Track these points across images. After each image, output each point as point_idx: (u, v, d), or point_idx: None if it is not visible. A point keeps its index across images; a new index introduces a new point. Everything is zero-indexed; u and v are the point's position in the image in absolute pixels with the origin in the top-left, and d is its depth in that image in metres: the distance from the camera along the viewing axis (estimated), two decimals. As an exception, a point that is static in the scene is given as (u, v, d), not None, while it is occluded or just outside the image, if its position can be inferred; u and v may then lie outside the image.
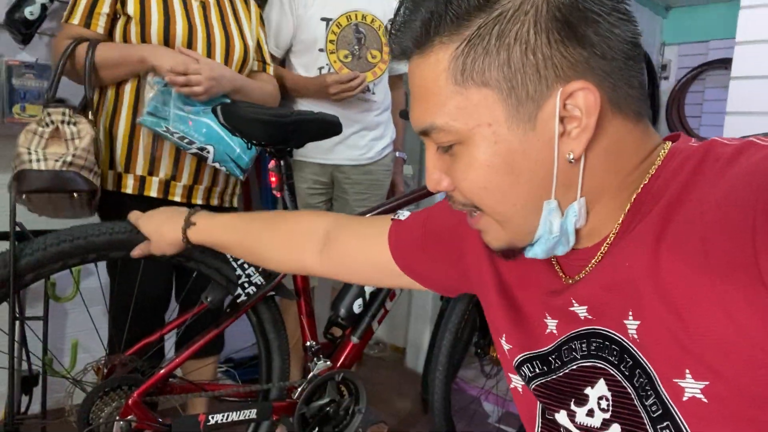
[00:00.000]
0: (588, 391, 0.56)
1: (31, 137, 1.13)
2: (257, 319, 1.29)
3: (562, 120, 0.50)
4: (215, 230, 1.00)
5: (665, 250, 0.48)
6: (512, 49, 0.49)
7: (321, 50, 1.73)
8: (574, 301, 0.57)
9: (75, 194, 1.12)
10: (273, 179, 1.25)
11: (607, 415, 0.54)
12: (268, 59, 1.56)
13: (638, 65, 0.52)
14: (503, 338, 0.67)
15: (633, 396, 0.52)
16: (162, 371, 1.12)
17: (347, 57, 1.72)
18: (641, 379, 0.51)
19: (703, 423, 0.47)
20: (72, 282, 1.08)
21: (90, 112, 1.24)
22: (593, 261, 0.55)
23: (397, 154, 1.99)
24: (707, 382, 0.46)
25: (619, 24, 0.50)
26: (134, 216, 1.09)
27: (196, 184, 1.41)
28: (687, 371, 0.47)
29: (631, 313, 0.50)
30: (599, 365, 0.55)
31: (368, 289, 1.39)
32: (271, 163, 1.24)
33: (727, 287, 0.43)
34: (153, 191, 1.35)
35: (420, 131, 0.55)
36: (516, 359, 0.65)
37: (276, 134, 1.16)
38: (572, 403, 0.57)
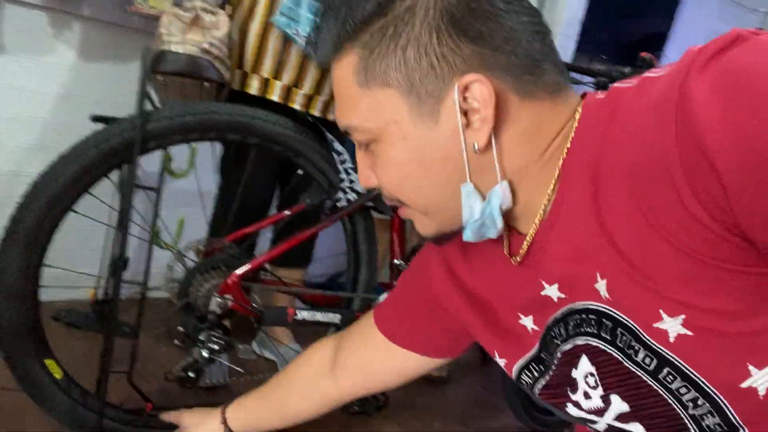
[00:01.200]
0: (574, 373, 0.56)
1: (172, 20, 1.15)
2: (352, 228, 1.29)
3: (465, 113, 0.52)
4: (249, 400, 0.94)
5: (603, 206, 0.48)
6: (407, 49, 0.52)
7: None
8: (544, 283, 0.56)
9: (206, 83, 1.14)
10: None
11: (600, 391, 0.54)
12: None
13: (546, 51, 0.53)
14: (496, 355, 0.67)
15: (620, 358, 0.52)
16: (261, 258, 1.14)
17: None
18: (624, 338, 0.51)
19: (697, 355, 0.47)
20: (187, 159, 1.10)
21: (228, 6, 1.25)
22: (533, 236, 0.56)
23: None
24: (683, 316, 0.45)
25: (517, 16, 0.52)
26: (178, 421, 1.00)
27: (316, 95, 1.41)
28: (661, 311, 0.46)
29: (598, 274, 0.50)
30: (578, 342, 0.55)
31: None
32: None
33: (661, 221, 0.44)
34: (275, 95, 1.36)
35: (342, 130, 0.59)
36: (514, 371, 0.64)
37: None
38: (569, 392, 0.57)
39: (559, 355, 0.57)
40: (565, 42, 2.32)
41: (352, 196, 1.21)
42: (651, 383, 0.50)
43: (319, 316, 1.22)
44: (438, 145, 0.53)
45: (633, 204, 0.45)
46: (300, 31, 1.25)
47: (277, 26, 1.29)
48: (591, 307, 0.52)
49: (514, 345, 0.63)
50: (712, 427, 0.48)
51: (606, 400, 0.54)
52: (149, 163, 1.51)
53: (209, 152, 1.30)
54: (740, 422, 0.47)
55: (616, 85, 0.51)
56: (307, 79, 1.37)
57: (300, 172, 1.23)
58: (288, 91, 1.37)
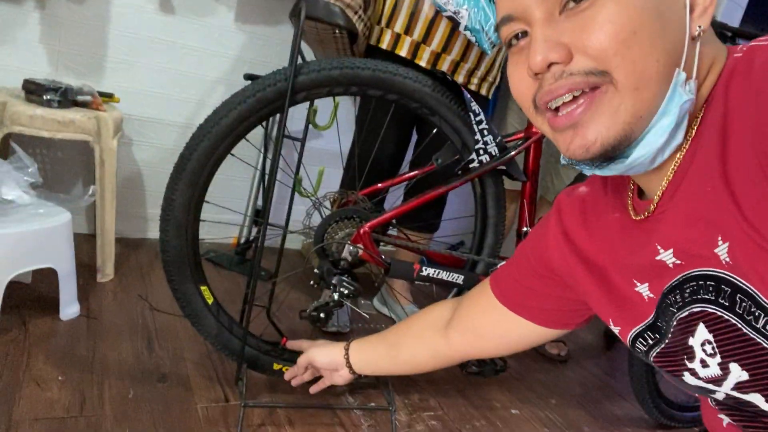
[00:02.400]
0: (691, 341, 0.54)
1: None
2: (482, 190, 1.28)
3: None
4: (368, 342, 1.03)
5: (731, 167, 0.46)
6: None
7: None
8: (659, 247, 0.54)
9: (337, 31, 1.19)
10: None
11: (718, 359, 0.52)
12: None
13: None
14: (611, 323, 0.65)
15: (740, 325, 0.49)
16: (392, 212, 1.18)
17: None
18: (744, 303, 0.48)
19: None
20: (330, 112, 1.15)
21: None
22: (662, 186, 0.53)
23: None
24: None
25: None
26: (307, 349, 1.11)
27: (444, 53, 1.41)
28: None
29: (720, 237, 0.48)
30: (695, 310, 0.53)
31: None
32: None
33: None
34: (404, 50, 1.39)
35: None
36: (628, 338, 0.63)
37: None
38: (686, 360, 0.55)
39: (674, 323, 0.55)
40: (734, 8, 2.09)
41: (485, 158, 1.20)
42: None
43: (443, 275, 1.24)
44: (675, 8, 0.48)
45: (757, 162, 0.43)
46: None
47: None
48: (708, 273, 0.50)
49: (630, 313, 0.61)
50: None
51: (724, 368, 0.52)
52: (294, 117, 1.61)
53: (350, 110, 1.35)
54: None
55: (754, 42, 0.48)
56: (436, 36, 1.38)
57: (435, 131, 1.24)
58: (416, 47, 1.39)
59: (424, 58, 1.41)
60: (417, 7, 1.37)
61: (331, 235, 1.17)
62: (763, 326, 0.47)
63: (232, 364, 1.24)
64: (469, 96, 1.16)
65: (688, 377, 0.56)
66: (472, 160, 1.20)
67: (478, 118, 1.17)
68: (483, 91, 1.55)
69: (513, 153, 1.22)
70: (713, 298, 0.50)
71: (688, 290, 0.53)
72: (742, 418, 0.56)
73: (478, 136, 1.19)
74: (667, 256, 0.54)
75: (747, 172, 0.44)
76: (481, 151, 1.20)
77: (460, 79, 1.49)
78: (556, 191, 1.76)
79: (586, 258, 0.66)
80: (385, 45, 1.40)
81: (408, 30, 1.39)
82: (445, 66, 1.43)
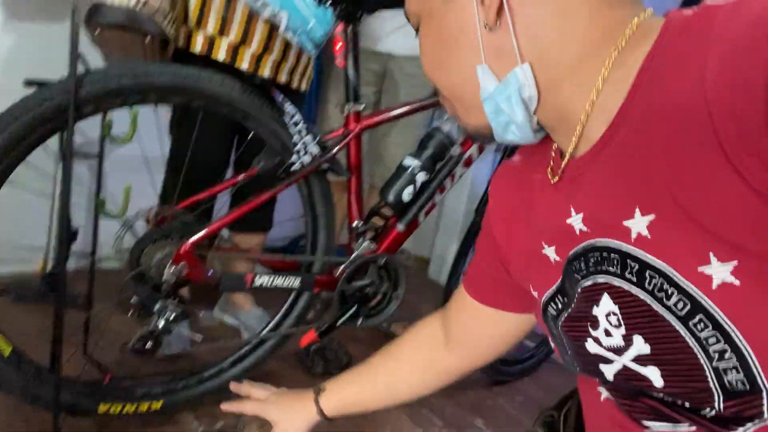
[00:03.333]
0: (595, 311, 0.53)
1: None
2: (308, 190, 1.27)
3: None
4: (346, 384, 0.85)
5: (674, 142, 0.44)
6: None
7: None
8: (572, 209, 0.54)
9: (147, 38, 1.08)
10: (338, 45, 1.19)
11: (623, 330, 0.51)
12: None
13: None
14: (531, 288, 0.65)
15: (649, 301, 0.48)
16: (216, 224, 1.11)
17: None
18: (654, 280, 0.47)
19: (738, 306, 0.43)
20: (129, 123, 1.04)
21: None
22: (572, 153, 0.54)
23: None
24: (736, 262, 0.42)
25: None
26: (249, 406, 0.87)
27: (265, 53, 1.35)
28: (711, 254, 0.43)
29: (638, 209, 0.47)
30: (599, 280, 0.52)
31: (419, 179, 1.35)
32: (339, 27, 1.17)
33: (742, 153, 0.40)
34: (221, 54, 1.30)
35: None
36: (542, 302, 0.62)
37: (350, -9, 1.09)
38: (590, 328, 0.55)
39: (578, 290, 0.55)
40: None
41: (306, 158, 1.18)
42: (678, 329, 0.47)
43: (278, 281, 1.21)
44: (456, 23, 0.54)
45: (711, 133, 0.41)
46: (245, -15, 1.19)
47: None
48: (613, 246, 0.50)
49: (541, 275, 0.62)
50: (733, 383, 0.46)
51: (628, 339, 0.51)
52: (90, 129, 1.44)
53: (153, 115, 1.24)
54: (765, 384, 0.45)
55: (708, 1, 0.46)
56: (255, 36, 1.32)
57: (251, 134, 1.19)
58: (235, 50, 1.32)
59: (245, 60, 1.34)
60: (230, 6, 1.29)
61: (149, 258, 1.07)
62: (674, 304, 0.47)
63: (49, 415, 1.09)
64: (281, 96, 1.12)
65: (590, 344, 0.55)
66: (293, 162, 1.18)
67: (294, 119, 1.14)
68: (303, 87, 1.52)
69: (334, 150, 1.22)
70: (618, 272, 0.50)
71: (592, 260, 0.53)
72: (622, 394, 0.56)
73: (296, 137, 1.16)
74: (576, 221, 0.54)
75: (693, 147, 0.42)
76: (302, 152, 1.18)
77: (282, 78, 1.44)
78: (383, 177, 1.81)
79: (510, 225, 0.67)
80: (198, 49, 1.30)
81: (223, 31, 1.30)
82: (267, 67, 1.38)
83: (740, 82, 0.39)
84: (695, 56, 0.43)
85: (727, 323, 0.44)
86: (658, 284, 0.47)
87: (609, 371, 0.54)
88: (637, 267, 0.48)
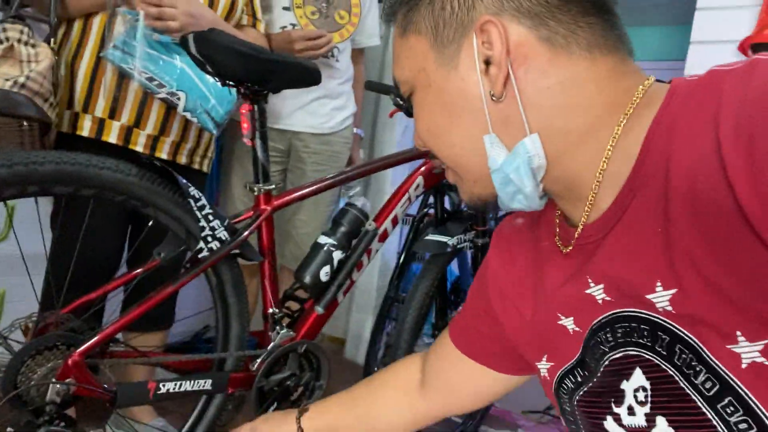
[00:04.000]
0: (624, 385, 0.50)
1: None
2: (217, 279, 1.16)
3: (487, 61, 0.52)
4: (327, 409, 0.89)
5: (687, 211, 0.42)
6: None
7: (286, 8, 1.63)
8: (590, 281, 0.52)
9: (25, 123, 0.96)
10: (245, 125, 1.13)
11: (647, 409, 0.48)
12: (259, 14, 1.46)
13: (587, 4, 0.51)
14: (544, 359, 0.62)
15: (677, 378, 0.46)
16: (109, 329, 0.97)
17: (314, 14, 1.63)
18: (684, 356, 0.45)
19: None
20: (4, 219, 0.90)
21: (53, 41, 1.08)
22: (584, 222, 0.53)
23: (355, 130, 1.91)
24: (766, 341, 0.40)
25: None
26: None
27: (162, 135, 1.26)
28: (738, 333, 0.41)
29: (660, 283, 0.45)
30: (631, 352, 0.49)
31: (336, 257, 1.30)
32: (244, 107, 1.13)
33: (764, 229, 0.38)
34: (112, 137, 1.20)
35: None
36: (557, 376, 0.60)
37: (254, 70, 1.05)
38: (613, 404, 0.52)
39: (606, 362, 0.52)
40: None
41: (215, 244, 1.09)
42: (706, 411, 0.44)
43: (187, 385, 1.07)
44: (460, 92, 0.53)
45: (734, 207, 0.39)
46: (138, 66, 1.12)
47: (109, 61, 1.14)
48: (641, 315, 0.47)
49: (557, 347, 0.59)
50: None
51: (651, 420, 0.48)
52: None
53: (31, 209, 1.09)
54: None
55: (715, 67, 0.46)
56: (150, 118, 1.24)
57: (151, 222, 1.08)
58: (128, 132, 1.22)
59: (140, 143, 1.24)
60: (120, 87, 1.20)
61: (27, 376, 0.90)
62: (702, 383, 0.44)
63: None
64: (184, 181, 1.04)
65: (609, 423, 0.52)
66: (201, 249, 1.08)
67: (199, 204, 1.06)
68: (204, 168, 1.44)
69: (245, 234, 1.14)
70: (649, 344, 0.47)
71: (620, 330, 0.50)
72: None
73: (203, 223, 1.07)
74: (596, 292, 0.51)
75: (711, 216, 0.40)
76: (210, 238, 1.08)
77: (183, 159, 1.35)
78: (297, 259, 1.73)
79: (512, 290, 0.65)
80: (86, 132, 1.19)
81: (113, 114, 1.21)
82: (165, 149, 1.29)
83: (760, 156, 0.38)
84: (705, 121, 0.42)
85: (759, 408, 0.41)
86: (687, 360, 0.44)
87: None
88: (667, 340, 0.46)
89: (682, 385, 0.45)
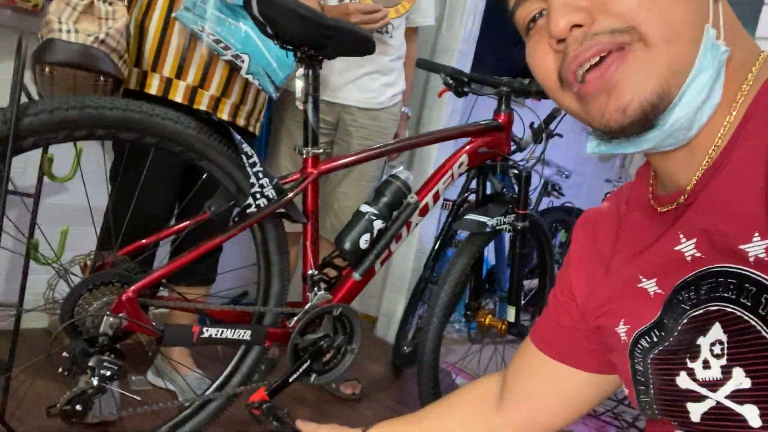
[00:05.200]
0: (700, 340, 0.50)
1: (63, 7, 1.03)
2: (262, 236, 1.20)
3: None
4: (394, 425, 0.83)
5: None
6: None
7: (344, -18, 1.65)
8: (681, 236, 0.51)
9: (101, 78, 1.02)
10: (299, 87, 1.17)
11: (723, 361, 0.48)
12: None
13: None
14: (622, 323, 0.60)
15: (760, 327, 0.45)
16: (160, 271, 1.02)
17: (372, -12, 1.66)
18: None
19: None
20: (73, 159, 0.96)
21: None
22: (697, 174, 0.51)
23: (403, 108, 1.93)
24: None
25: None
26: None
27: (223, 97, 1.32)
28: None
29: (757, 234, 0.45)
30: (711, 308, 0.49)
31: (376, 225, 1.32)
32: (299, 71, 1.16)
33: None
34: (179, 96, 1.26)
35: None
36: (632, 338, 0.58)
37: (313, 34, 1.08)
38: (688, 360, 0.51)
39: (685, 320, 0.51)
40: (463, 59, 2.40)
41: (262, 202, 1.13)
42: None
43: (228, 333, 1.12)
44: None
45: None
46: (206, 28, 1.17)
47: (180, 22, 1.20)
48: (731, 270, 0.47)
49: (634, 310, 0.58)
50: None
51: (727, 372, 0.48)
52: (27, 165, 1.33)
53: (98, 157, 1.16)
54: None
55: None
56: (214, 79, 1.29)
57: (204, 176, 1.13)
58: (193, 92, 1.28)
59: (204, 103, 1.30)
60: (188, 48, 1.26)
61: (83, 308, 0.97)
62: None
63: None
64: (239, 137, 1.08)
65: (683, 378, 0.51)
66: (249, 205, 1.12)
67: (251, 160, 1.10)
68: (257, 131, 1.49)
69: (291, 195, 1.18)
70: (734, 297, 0.47)
71: (704, 287, 0.49)
72: None
73: (253, 179, 1.11)
74: (688, 248, 0.51)
75: None
76: (258, 195, 1.13)
77: (241, 122, 1.41)
78: (335, 230, 1.77)
79: (593, 269, 0.64)
80: (153, 90, 1.25)
81: (180, 74, 1.27)
82: (226, 110, 1.34)
83: None
84: None
85: None
86: None
87: (697, 410, 0.50)
88: (754, 291, 0.45)
89: (764, 333, 0.45)
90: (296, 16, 1.05)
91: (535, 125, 1.75)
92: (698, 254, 0.50)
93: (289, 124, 1.75)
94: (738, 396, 0.47)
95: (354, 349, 1.34)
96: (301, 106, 1.18)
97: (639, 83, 0.48)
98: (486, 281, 1.80)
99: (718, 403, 0.48)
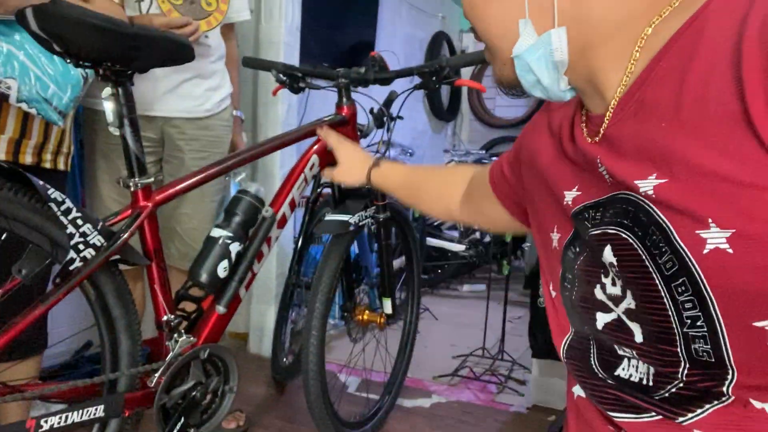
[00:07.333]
0: (603, 259, 0.55)
1: None
2: (97, 292, 1.01)
3: None
4: (394, 170, 1.11)
5: (689, 97, 0.46)
6: None
7: (144, -11, 1.45)
8: (599, 161, 0.56)
9: None
10: (110, 109, 0.98)
11: (622, 282, 0.54)
12: None
13: None
14: (555, 229, 0.65)
15: (644, 256, 0.50)
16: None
17: None
18: (655, 237, 0.49)
19: (724, 275, 0.45)
20: None
21: None
22: (611, 114, 0.54)
23: (235, 112, 1.78)
24: (734, 230, 0.43)
25: None
26: (333, 137, 1.25)
27: (24, 138, 1.07)
28: (710, 220, 0.44)
29: (655, 173, 0.48)
30: (609, 231, 0.54)
31: (233, 249, 1.19)
32: (106, 91, 0.97)
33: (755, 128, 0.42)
34: None
35: None
36: (563, 245, 0.63)
37: (113, 47, 0.90)
38: (602, 275, 0.57)
39: (587, 238, 0.57)
40: (290, 51, 2.29)
41: (88, 253, 0.94)
42: (661, 288, 0.49)
43: (75, 416, 0.93)
44: None
45: (736, 95, 0.42)
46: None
47: None
48: (632, 198, 0.50)
49: (560, 221, 0.63)
50: (699, 352, 0.48)
51: (624, 292, 0.54)
52: None
53: None
54: (731, 362, 0.46)
55: None
56: (8, 121, 1.04)
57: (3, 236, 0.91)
58: None
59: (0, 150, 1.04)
60: None
61: None
62: (664, 263, 0.48)
63: None
64: (41, 183, 0.88)
65: (598, 290, 0.57)
66: (72, 260, 0.93)
67: (63, 207, 0.90)
68: (60, 166, 1.25)
69: (125, 236, 1.00)
70: (630, 224, 0.51)
71: (611, 211, 0.53)
72: (592, 387, 0.59)
73: (71, 229, 0.92)
74: (604, 171, 0.54)
75: (713, 124, 0.44)
76: (81, 246, 0.93)
77: (27, 159, 1.16)
78: (184, 256, 1.58)
79: (540, 160, 0.67)
80: None
81: None
82: (28, 153, 1.09)
83: None
84: (732, 24, 0.44)
85: (707, 291, 0.45)
86: (656, 241, 0.48)
87: (602, 320, 0.57)
88: (645, 221, 0.49)
89: (646, 263, 0.50)
90: (89, 28, 0.86)
91: (375, 110, 1.71)
92: (609, 178, 0.54)
93: (103, 148, 1.50)
94: (628, 314, 0.54)
95: (233, 387, 1.21)
96: (117, 132, 1.00)
97: (493, 72, 0.62)
98: (354, 271, 1.74)
99: (618, 316, 0.55)
